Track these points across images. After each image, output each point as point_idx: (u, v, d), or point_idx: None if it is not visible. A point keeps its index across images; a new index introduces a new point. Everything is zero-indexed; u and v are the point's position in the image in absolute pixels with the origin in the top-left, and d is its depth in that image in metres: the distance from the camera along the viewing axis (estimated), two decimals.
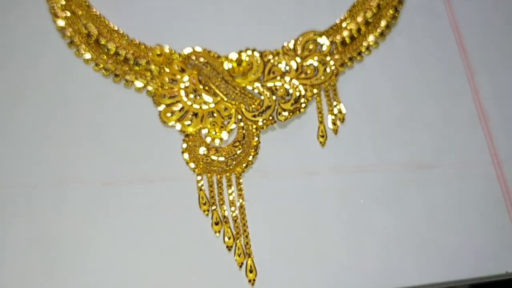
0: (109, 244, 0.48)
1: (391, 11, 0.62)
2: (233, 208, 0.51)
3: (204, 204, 0.51)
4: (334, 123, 0.56)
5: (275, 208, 0.51)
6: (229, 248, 0.50)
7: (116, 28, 0.58)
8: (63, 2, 0.58)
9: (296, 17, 0.61)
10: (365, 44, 0.60)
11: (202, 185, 0.51)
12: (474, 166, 0.55)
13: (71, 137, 0.52)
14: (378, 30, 0.61)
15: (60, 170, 0.51)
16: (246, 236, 0.50)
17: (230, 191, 0.51)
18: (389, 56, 0.60)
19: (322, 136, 0.55)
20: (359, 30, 0.60)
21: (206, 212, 0.50)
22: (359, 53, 0.59)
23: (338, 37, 0.60)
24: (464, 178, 0.55)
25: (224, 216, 0.51)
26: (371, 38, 0.60)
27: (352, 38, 0.60)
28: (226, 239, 0.50)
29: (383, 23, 0.61)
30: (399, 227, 0.52)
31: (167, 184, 0.51)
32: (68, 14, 0.58)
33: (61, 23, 0.57)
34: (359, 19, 0.61)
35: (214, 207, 0.51)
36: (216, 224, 0.50)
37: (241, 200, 0.51)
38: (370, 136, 0.56)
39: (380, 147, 0.55)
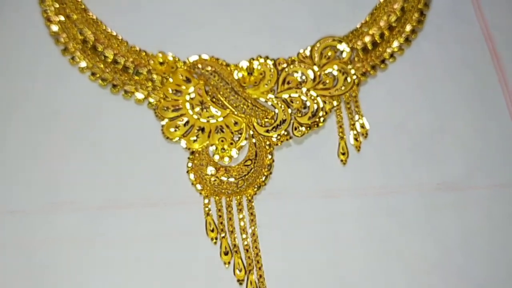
0: (104, 276, 0.46)
1: (416, 15, 0.58)
2: (244, 236, 0.48)
3: (212, 231, 0.48)
4: (356, 139, 0.53)
5: (292, 235, 0.48)
6: (240, 282, 0.46)
7: (114, 34, 0.55)
8: (57, 5, 0.56)
9: (313, 21, 0.59)
10: (389, 50, 0.57)
11: (209, 209, 0.48)
12: None
13: (63, 156, 0.50)
14: (403, 35, 0.58)
15: (51, 193, 0.49)
16: (260, 268, 0.47)
17: (241, 216, 0.48)
18: (415, 64, 0.57)
19: (343, 154, 0.52)
20: (382, 35, 0.57)
21: (214, 240, 0.47)
22: (383, 61, 0.56)
23: (359, 43, 0.57)
24: (502, 200, 0.51)
25: (235, 245, 0.47)
26: (395, 44, 0.57)
27: (374, 44, 0.57)
28: (237, 271, 0.46)
29: (408, 27, 0.58)
30: (430, 255, 0.49)
31: (171, 208, 0.49)
32: (62, 18, 0.56)
33: (54, 28, 0.55)
34: (382, 23, 0.58)
35: (223, 235, 0.48)
36: (226, 254, 0.47)
37: (253, 227, 0.48)
38: (397, 154, 0.52)
39: (408, 166, 0.52)
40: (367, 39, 0.57)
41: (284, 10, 0.59)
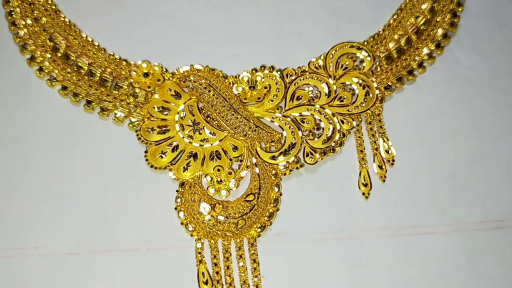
0: None
1: (448, 16, 0.55)
2: None
3: (206, 283, 0.44)
4: (380, 167, 0.50)
5: (304, 286, 0.45)
6: None
7: (90, 40, 0.52)
8: (24, 7, 0.53)
9: (327, 24, 0.56)
10: (417, 59, 0.54)
11: (202, 256, 0.45)
12: None
13: (27, 190, 0.47)
14: (434, 41, 0.54)
15: (11, 236, 0.46)
16: None
17: (241, 264, 0.45)
18: (449, 75, 0.54)
19: (365, 185, 0.49)
20: (408, 40, 0.54)
21: None
22: (410, 72, 0.53)
23: (382, 50, 0.54)
24: None
25: None
26: (425, 51, 0.54)
27: (400, 51, 0.54)
28: None
29: (439, 31, 0.54)
30: None
31: (155, 253, 0.46)
32: (29, 21, 0.52)
33: (20, 33, 0.52)
34: (408, 26, 0.55)
35: None
36: None
37: (256, 278, 0.45)
38: (430, 185, 0.50)
39: (444, 200, 0.49)
40: (391, 45, 0.54)
41: (293, 11, 0.56)
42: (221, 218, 0.46)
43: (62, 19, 0.53)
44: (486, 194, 0.49)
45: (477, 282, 0.46)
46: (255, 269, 0.45)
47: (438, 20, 0.54)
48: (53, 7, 0.53)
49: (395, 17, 0.55)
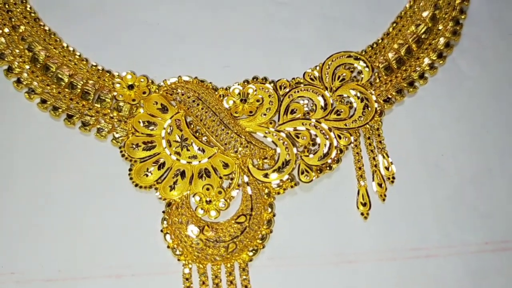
0: None
1: (451, 24, 0.54)
2: None
3: None
4: (380, 185, 0.49)
5: None
6: None
7: (71, 49, 0.51)
8: (1, 14, 0.52)
9: (323, 32, 0.55)
10: (418, 69, 0.53)
11: (190, 282, 0.44)
12: None
13: (1, 214, 0.46)
14: (435, 51, 0.53)
15: None
16: None
17: None
18: (452, 86, 0.53)
19: (364, 205, 0.48)
20: (409, 50, 0.53)
21: None
22: (411, 83, 0.52)
23: (381, 60, 0.53)
24: None
25: None
26: (426, 61, 0.53)
27: (400, 61, 0.53)
28: None
29: (441, 40, 0.53)
30: None
31: (140, 279, 0.44)
32: (7, 30, 0.51)
33: None
34: (408, 35, 0.53)
35: None
36: None
37: None
38: (432, 205, 0.49)
39: (447, 221, 0.48)
40: (391, 55, 0.53)
41: (287, 19, 0.55)
42: (210, 241, 0.44)
43: (42, 27, 0.52)
44: (491, 213, 0.49)
45: None
46: None
47: (440, 28, 0.54)
48: (33, 14, 0.52)
49: (394, 25, 0.54)
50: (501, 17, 0.57)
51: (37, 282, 0.43)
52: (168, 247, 0.44)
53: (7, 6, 0.52)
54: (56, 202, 0.46)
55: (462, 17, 0.54)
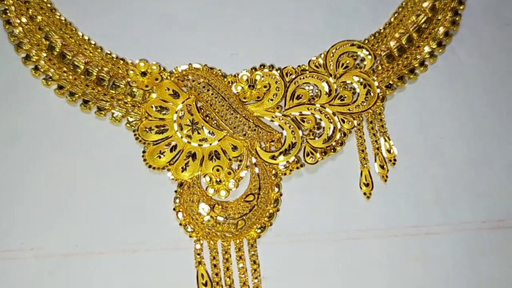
0: None
1: (450, 14, 0.54)
2: None
3: (205, 284, 0.44)
4: (382, 167, 0.49)
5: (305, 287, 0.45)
6: None
7: (86, 38, 0.52)
8: (19, 5, 0.53)
9: (327, 22, 0.55)
10: (419, 57, 0.53)
11: (202, 257, 0.45)
12: None
13: (20, 189, 0.47)
14: (435, 39, 0.54)
15: (8, 239, 0.45)
16: None
17: (241, 265, 0.45)
18: (451, 74, 0.54)
19: (367, 185, 0.49)
20: (409, 39, 0.54)
21: None
22: (412, 70, 0.53)
23: (383, 48, 0.53)
24: None
25: None
26: (426, 49, 0.53)
27: (401, 49, 0.53)
28: None
29: (441, 30, 0.54)
30: None
31: (153, 254, 0.45)
32: (25, 20, 0.52)
33: (15, 31, 0.52)
34: (409, 24, 0.54)
35: None
36: None
37: (256, 279, 0.44)
38: (432, 185, 0.49)
39: (446, 200, 0.49)
40: (392, 43, 0.54)
41: (293, 9, 0.56)
42: (220, 218, 0.45)
43: (58, 17, 0.52)
44: (488, 193, 0.49)
45: (479, 283, 0.46)
46: (255, 270, 0.44)
47: (439, 18, 0.54)
48: (49, 5, 0.53)
49: (396, 15, 0.55)
50: (499, 8, 0.57)
51: (55, 257, 0.44)
52: (180, 224, 0.45)
53: None
54: (73, 183, 0.47)
55: (461, 7, 0.55)
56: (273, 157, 0.47)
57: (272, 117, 0.49)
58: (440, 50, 0.53)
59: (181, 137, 0.48)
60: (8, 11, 0.52)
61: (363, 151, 0.50)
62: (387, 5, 0.56)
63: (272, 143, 0.48)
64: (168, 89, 0.49)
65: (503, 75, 0.54)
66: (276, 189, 0.47)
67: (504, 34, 0.56)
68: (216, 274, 0.44)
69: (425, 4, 0.55)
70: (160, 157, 0.47)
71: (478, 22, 0.56)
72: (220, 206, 0.45)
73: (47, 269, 0.44)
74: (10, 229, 0.45)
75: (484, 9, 0.57)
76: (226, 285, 0.44)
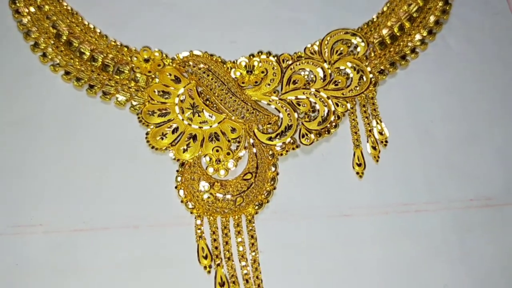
0: None
1: (440, 4, 0.56)
2: (243, 263, 0.45)
3: (205, 257, 0.45)
4: (374, 148, 0.50)
5: (299, 262, 0.46)
6: None
7: (92, 27, 0.53)
8: None
9: (322, 11, 0.56)
10: (410, 45, 0.54)
11: (202, 232, 0.46)
12: None
13: (30, 170, 0.48)
14: (426, 28, 0.55)
15: (18, 215, 0.46)
16: None
17: (239, 240, 0.45)
18: (441, 60, 0.55)
19: (359, 165, 0.49)
20: (401, 27, 0.55)
21: (208, 269, 0.45)
22: (403, 57, 0.54)
23: (376, 36, 0.54)
24: None
25: (232, 275, 0.45)
26: (417, 37, 0.54)
27: (393, 37, 0.54)
28: None
29: (431, 18, 0.55)
30: (464, 283, 0.46)
31: (156, 230, 0.46)
32: (33, 9, 0.53)
33: (23, 20, 0.53)
34: (401, 13, 0.55)
35: (218, 262, 0.45)
36: (221, 285, 0.44)
37: (254, 252, 0.45)
38: (422, 165, 0.50)
39: (435, 180, 0.49)
40: (385, 31, 0.55)
41: (290, 0, 0.57)
42: (219, 196, 0.46)
43: (65, 7, 0.53)
44: (475, 173, 0.50)
45: (466, 258, 0.47)
46: (252, 244, 0.45)
47: (430, 7, 0.55)
48: None
49: (388, 4, 0.56)
50: None
51: (63, 232, 0.45)
52: (182, 201, 0.46)
53: None
54: (80, 163, 0.48)
55: None
56: (270, 139, 0.48)
57: (269, 101, 0.50)
58: (430, 38, 0.54)
59: (182, 119, 0.48)
60: (17, 1, 0.53)
61: (356, 133, 0.50)
62: None
63: (269, 125, 0.49)
64: (170, 74, 0.50)
65: (490, 61, 0.55)
66: (273, 169, 0.47)
67: (492, 23, 0.57)
68: (216, 248, 0.45)
69: None
70: (162, 138, 0.47)
71: (467, 11, 0.57)
72: (219, 184, 0.46)
73: (55, 244, 0.45)
74: (21, 206, 0.46)
75: None
76: (225, 258, 0.44)
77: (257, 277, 0.44)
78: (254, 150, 0.48)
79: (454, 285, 0.46)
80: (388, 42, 0.54)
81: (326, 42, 0.52)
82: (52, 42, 0.51)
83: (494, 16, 0.57)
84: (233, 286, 0.44)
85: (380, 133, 0.51)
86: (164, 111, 0.49)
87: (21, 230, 0.45)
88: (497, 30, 0.56)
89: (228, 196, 0.46)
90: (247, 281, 0.44)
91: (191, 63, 0.50)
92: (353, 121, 0.51)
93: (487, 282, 0.46)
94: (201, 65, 0.50)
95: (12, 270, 0.44)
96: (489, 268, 0.47)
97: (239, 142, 0.48)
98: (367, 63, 0.52)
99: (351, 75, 0.51)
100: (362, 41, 0.52)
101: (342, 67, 0.51)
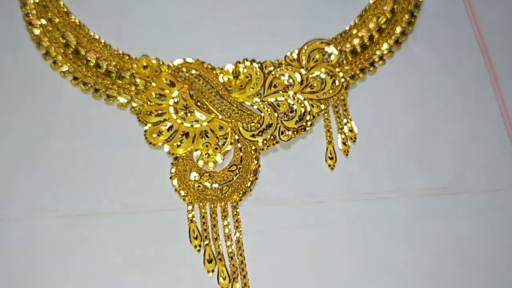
0: (84, 283, 0.46)
1: (406, 16, 0.58)
2: (229, 243, 0.47)
3: (196, 238, 0.47)
4: (344, 143, 0.52)
5: (278, 242, 0.48)
6: None
7: (97, 37, 0.55)
8: (39, 9, 0.56)
9: (301, 23, 0.58)
10: (378, 53, 0.56)
11: (193, 216, 0.48)
12: (506, 190, 0.51)
13: (43, 162, 0.50)
14: (393, 38, 0.57)
15: (31, 200, 0.48)
16: (244, 276, 0.46)
17: (225, 223, 0.48)
18: (405, 66, 0.57)
19: (331, 158, 0.51)
20: (371, 37, 0.57)
21: (198, 248, 0.47)
22: (372, 64, 0.56)
23: (348, 46, 0.56)
24: (495, 205, 0.51)
25: (219, 253, 0.47)
26: (385, 46, 0.57)
27: (363, 46, 0.56)
28: (221, 279, 0.46)
29: (398, 29, 0.58)
30: (420, 262, 0.48)
31: (153, 215, 0.48)
32: (44, 22, 0.55)
33: (36, 31, 0.54)
34: (371, 25, 0.57)
35: (207, 242, 0.47)
36: (209, 262, 0.46)
37: (238, 234, 0.48)
38: (386, 158, 0.52)
39: (397, 171, 0.51)
40: (356, 41, 0.56)
41: (271, 13, 0.58)
42: (207, 184, 0.48)
43: (73, 20, 0.55)
44: (433, 165, 0.51)
45: (424, 239, 0.48)
46: (237, 227, 0.47)
47: (397, 19, 0.57)
48: (65, 9, 0.56)
49: (359, 17, 0.58)
50: (450, 10, 0.60)
51: (71, 217, 0.47)
52: (175, 190, 0.48)
53: (44, 2, 0.55)
54: (87, 157, 0.49)
55: (417, 10, 0.58)
56: (253, 136, 0.50)
57: (253, 102, 0.52)
58: (397, 47, 0.57)
59: (176, 119, 0.50)
60: (30, 14, 0.55)
61: (328, 130, 0.52)
62: (353, 9, 0.58)
63: (253, 124, 0.51)
64: (166, 79, 0.51)
65: (449, 67, 0.56)
66: (255, 162, 0.49)
67: (453, 33, 0.59)
68: (205, 230, 0.47)
69: (385, 8, 0.58)
70: (159, 135, 0.49)
71: (431, 22, 0.59)
72: (208, 175, 0.48)
73: (65, 226, 0.47)
74: (36, 194, 0.48)
75: (437, 11, 0.60)
76: (213, 239, 0.47)
77: (240, 255, 0.47)
78: (239, 145, 0.50)
79: (413, 263, 0.48)
80: (359, 51, 0.56)
81: (303, 50, 0.54)
82: (62, 51, 0.53)
83: (455, 27, 0.59)
84: (219, 262, 0.46)
85: (350, 130, 0.53)
86: (160, 112, 0.50)
87: (36, 214, 0.47)
88: (457, 40, 0.58)
89: (216, 185, 0.48)
90: (231, 258, 0.47)
91: (184, 69, 0.52)
92: (326, 120, 0.53)
93: (441, 259, 0.48)
94: (193, 71, 0.52)
95: (29, 249, 0.46)
96: (443, 247, 0.49)
97: (226, 138, 0.50)
98: (339, 69, 0.54)
99: (325, 80, 0.53)
100: (336, 49, 0.55)
101: (317, 73, 0.53)
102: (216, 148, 0.50)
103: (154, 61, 0.52)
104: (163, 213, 0.48)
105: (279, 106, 0.52)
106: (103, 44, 0.54)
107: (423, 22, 0.59)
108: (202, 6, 0.58)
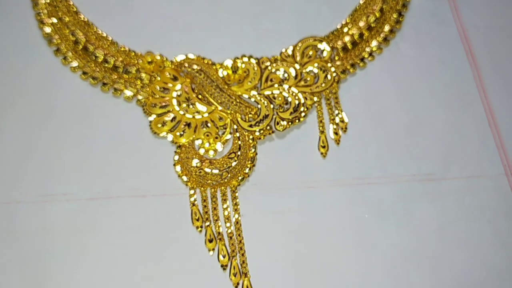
0: (95, 264, 0.47)
1: (394, 15, 0.60)
2: (228, 224, 0.49)
3: (197, 220, 0.49)
4: (336, 133, 0.53)
5: (273, 223, 0.49)
6: (224, 267, 0.47)
7: (104, 35, 0.56)
8: (50, 9, 0.57)
9: (295, 22, 0.59)
10: (367, 49, 0.58)
11: (195, 200, 0.49)
12: (486, 177, 0.53)
13: (56, 151, 0.51)
14: (382, 35, 0.59)
15: (44, 185, 0.49)
16: (242, 254, 0.48)
17: (225, 206, 0.49)
18: (393, 62, 0.58)
19: (323, 147, 0.52)
20: (361, 35, 0.59)
21: (200, 229, 0.48)
22: (362, 59, 0.57)
23: (339, 43, 0.58)
24: (476, 190, 0.52)
25: (219, 233, 0.48)
26: (374, 43, 0.58)
27: (354, 43, 0.58)
28: (221, 257, 0.48)
29: (386, 28, 0.59)
30: (407, 243, 0.49)
31: (158, 199, 0.50)
32: (55, 20, 0.57)
33: (47, 30, 0.56)
34: (361, 24, 0.59)
35: (208, 223, 0.48)
36: (210, 241, 0.48)
37: (236, 216, 0.49)
38: (375, 147, 0.53)
39: (385, 158, 0.53)
40: (347, 39, 0.58)
41: (268, 12, 0.60)
42: (208, 170, 0.49)
43: (82, 18, 0.57)
44: (419, 153, 0.53)
45: (410, 223, 0.50)
46: (235, 209, 0.48)
47: (385, 18, 0.59)
48: (74, 9, 0.57)
49: (350, 16, 0.59)
50: (436, 10, 0.61)
51: (82, 201, 0.48)
52: (179, 176, 0.49)
53: (54, 2, 0.57)
54: (96, 145, 0.51)
55: (404, 10, 0.60)
56: (250, 126, 0.51)
57: (250, 95, 0.53)
58: (385, 44, 0.58)
59: (179, 110, 0.51)
60: (41, 14, 0.56)
61: (321, 121, 0.53)
62: (345, 8, 0.60)
63: (250, 115, 0.52)
64: (169, 74, 0.53)
65: (435, 63, 0.58)
66: (253, 150, 0.50)
67: (438, 31, 0.60)
68: (206, 212, 0.48)
69: (375, 7, 0.59)
70: (163, 126, 0.50)
71: (418, 21, 0.60)
72: (209, 162, 0.49)
73: (76, 210, 0.48)
74: (48, 179, 0.49)
75: (424, 10, 0.61)
76: (213, 220, 0.48)
77: (239, 235, 0.48)
78: (238, 134, 0.51)
79: (399, 243, 0.49)
80: (350, 47, 0.57)
81: (298, 47, 0.56)
82: (72, 47, 0.55)
83: (440, 26, 0.61)
84: (219, 241, 0.48)
85: (341, 121, 0.54)
86: (164, 104, 0.52)
87: (49, 198, 0.49)
88: (442, 38, 0.60)
89: (216, 171, 0.50)
90: (231, 238, 0.48)
91: (186, 64, 0.53)
92: (319, 111, 0.54)
93: (426, 241, 0.49)
94: (195, 66, 0.53)
95: (42, 232, 0.47)
96: (429, 230, 0.50)
97: (225, 128, 0.51)
98: (331, 65, 0.56)
99: (318, 74, 0.55)
100: (328, 46, 0.56)
101: (311, 68, 0.55)
102: (216, 137, 0.51)
103: (158, 57, 0.54)
104: (168, 197, 0.49)
105: (275, 98, 0.53)
106: (110, 41, 0.56)
107: (410, 21, 0.61)
108: (203, 6, 0.59)
